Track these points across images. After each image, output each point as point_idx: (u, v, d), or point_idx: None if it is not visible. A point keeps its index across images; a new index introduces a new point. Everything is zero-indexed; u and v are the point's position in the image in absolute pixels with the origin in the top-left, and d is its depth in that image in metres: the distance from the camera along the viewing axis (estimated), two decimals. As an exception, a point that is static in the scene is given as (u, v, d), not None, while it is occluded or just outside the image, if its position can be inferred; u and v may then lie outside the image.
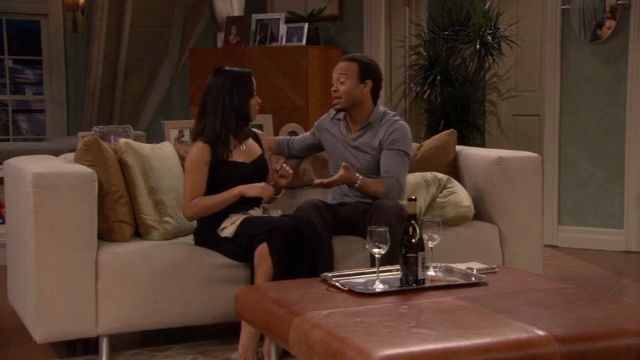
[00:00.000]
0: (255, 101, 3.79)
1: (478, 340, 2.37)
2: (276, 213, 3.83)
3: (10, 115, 9.09)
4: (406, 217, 3.03)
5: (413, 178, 4.10)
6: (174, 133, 4.46)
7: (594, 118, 6.08)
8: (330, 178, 3.89)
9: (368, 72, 4.01)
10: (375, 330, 2.47)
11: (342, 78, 4.00)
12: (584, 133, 6.12)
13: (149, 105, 8.71)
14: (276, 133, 4.86)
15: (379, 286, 2.95)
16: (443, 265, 3.22)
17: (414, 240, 2.94)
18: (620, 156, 5.98)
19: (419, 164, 4.29)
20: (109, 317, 3.55)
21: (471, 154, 4.45)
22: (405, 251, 2.95)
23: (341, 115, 4.11)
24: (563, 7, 6.13)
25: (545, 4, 6.51)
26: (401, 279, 2.98)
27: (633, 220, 5.94)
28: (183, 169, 3.88)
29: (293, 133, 4.76)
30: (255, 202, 3.77)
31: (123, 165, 3.83)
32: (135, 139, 4.09)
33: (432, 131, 6.82)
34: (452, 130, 4.55)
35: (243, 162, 3.78)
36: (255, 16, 6.89)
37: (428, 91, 7.14)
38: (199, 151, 3.70)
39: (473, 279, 3.07)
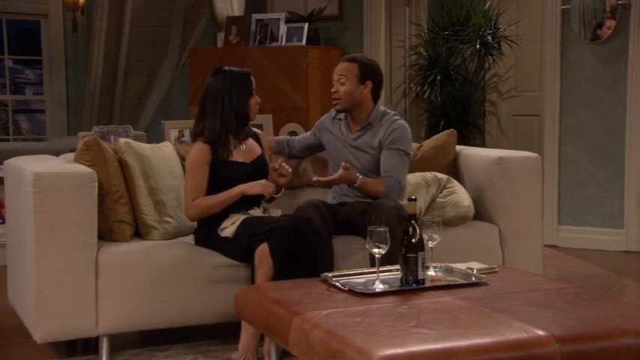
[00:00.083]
0: (254, 101, 3.79)
1: (478, 340, 2.37)
2: (276, 213, 3.83)
3: (10, 115, 9.09)
4: (406, 217, 3.03)
5: (413, 178, 4.10)
6: (174, 133, 4.46)
7: (594, 118, 6.08)
8: (329, 177, 3.89)
9: (368, 73, 4.01)
10: (375, 330, 2.47)
11: (342, 79, 4.00)
12: (584, 133, 6.12)
13: (149, 105, 8.71)
14: (276, 133, 4.86)
15: (379, 286, 2.95)
16: (443, 265, 3.22)
17: (414, 240, 2.94)
18: (620, 156, 5.98)
19: (419, 164, 4.29)
20: (109, 317, 3.55)
21: (471, 154, 4.45)
22: (405, 251, 2.95)
23: (341, 115, 4.11)
24: (563, 7, 6.13)
25: (545, 4, 6.51)
26: (401, 279, 2.98)
27: (633, 220, 5.94)
28: (184, 169, 3.88)
29: (293, 133, 4.76)
30: (255, 202, 3.77)
31: (123, 165, 3.83)
32: (135, 139, 4.09)
33: (432, 131, 6.83)
34: (452, 130, 4.55)
35: (243, 162, 3.78)
36: (255, 16, 6.89)
37: (428, 91, 7.14)
38: (199, 151, 3.70)
39: (473, 279, 3.07)
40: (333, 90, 4.04)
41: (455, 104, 7.13)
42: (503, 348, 2.36)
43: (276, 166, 3.77)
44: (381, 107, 4.11)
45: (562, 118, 6.20)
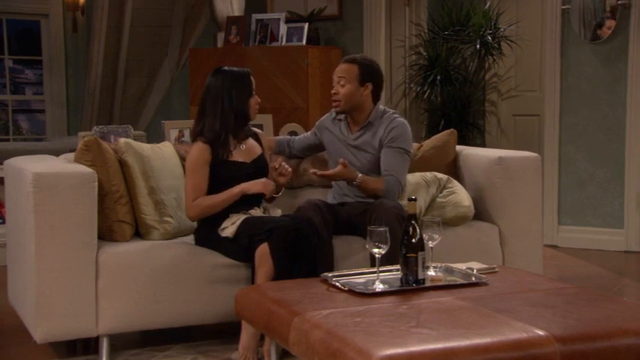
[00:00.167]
0: (254, 101, 3.79)
1: (478, 340, 2.37)
2: (276, 213, 3.83)
3: (10, 115, 9.09)
4: (406, 217, 3.03)
5: (413, 178, 4.10)
6: (174, 133, 4.46)
7: (594, 118, 6.08)
8: (328, 172, 3.89)
9: (368, 74, 4.01)
10: (375, 330, 2.47)
11: (342, 81, 3.99)
12: (584, 133, 6.12)
13: (149, 105, 8.71)
14: (276, 133, 4.87)
15: (379, 286, 2.95)
16: (443, 265, 3.22)
17: (414, 240, 2.94)
18: (620, 156, 5.98)
19: (419, 164, 4.29)
20: (109, 317, 3.55)
21: (471, 154, 4.45)
22: (405, 251, 2.95)
23: (342, 115, 4.11)
24: (563, 7, 6.13)
25: (545, 4, 6.51)
26: (401, 279, 2.98)
27: (633, 220, 5.94)
28: (184, 169, 3.88)
29: (293, 133, 4.76)
30: (255, 202, 3.78)
31: (123, 165, 3.83)
32: (135, 139, 4.09)
33: (432, 131, 6.83)
34: (452, 130, 4.55)
35: (243, 161, 3.78)
36: (255, 16, 6.89)
37: (428, 91, 7.14)
38: (199, 151, 3.70)
39: (473, 279, 3.07)
40: (333, 92, 4.03)
41: (455, 104, 7.13)
42: (503, 348, 2.36)
43: (276, 166, 3.77)
44: (381, 106, 4.11)
45: (562, 118, 6.20)
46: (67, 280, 3.47)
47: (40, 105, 9.16)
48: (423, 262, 2.96)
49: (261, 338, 3.53)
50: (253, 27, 6.81)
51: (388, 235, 2.95)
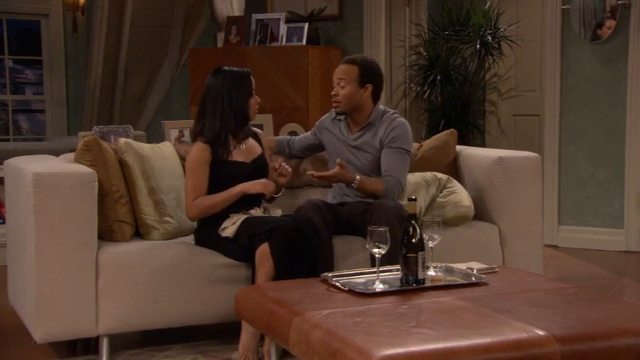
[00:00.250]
0: (254, 101, 3.79)
1: (478, 340, 2.37)
2: (276, 213, 3.83)
3: (10, 115, 9.09)
4: (406, 217, 3.03)
5: (413, 178, 4.10)
6: (174, 133, 4.45)
7: (594, 118, 6.08)
8: (326, 172, 3.89)
9: (368, 76, 4.00)
10: (375, 330, 2.47)
11: (342, 82, 3.99)
12: (584, 133, 6.12)
13: (149, 105, 8.71)
14: (276, 133, 4.86)
15: (379, 286, 2.95)
16: (443, 265, 3.22)
17: (414, 240, 2.94)
18: (620, 156, 5.98)
19: (419, 164, 4.29)
20: (109, 317, 3.55)
21: (471, 154, 4.45)
22: (405, 251, 2.95)
23: (342, 115, 4.11)
24: (563, 7, 6.13)
25: (545, 4, 6.51)
26: (401, 279, 2.98)
27: (633, 220, 5.94)
28: (184, 169, 3.88)
29: (293, 133, 4.76)
30: (255, 202, 3.78)
31: (123, 165, 3.83)
32: (135, 139, 4.09)
33: (432, 131, 6.83)
34: (452, 130, 4.55)
35: (243, 161, 3.79)
36: (255, 16, 6.89)
37: (428, 91, 7.14)
38: (199, 151, 3.70)
39: (473, 279, 3.07)
40: (333, 93, 4.03)
41: (455, 104, 7.13)
42: (503, 348, 2.36)
43: (276, 166, 3.77)
44: (381, 106, 4.11)
45: (562, 118, 6.20)
46: (67, 280, 3.47)
47: (40, 105, 9.16)
48: (423, 262, 2.96)
49: (261, 338, 3.53)
50: (253, 27, 6.81)
51: (388, 235, 2.95)
